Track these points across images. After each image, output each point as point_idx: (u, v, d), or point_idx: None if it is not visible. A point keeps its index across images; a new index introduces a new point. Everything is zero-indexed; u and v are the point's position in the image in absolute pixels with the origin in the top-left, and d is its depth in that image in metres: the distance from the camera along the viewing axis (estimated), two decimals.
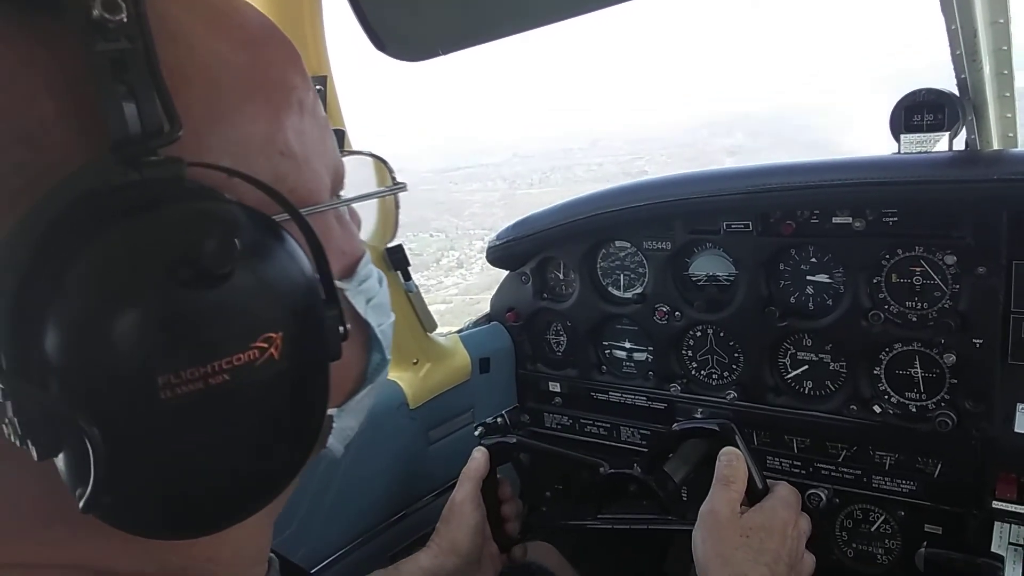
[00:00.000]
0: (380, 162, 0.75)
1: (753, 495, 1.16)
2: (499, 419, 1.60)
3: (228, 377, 0.42)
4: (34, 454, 0.39)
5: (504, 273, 1.92)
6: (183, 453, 0.42)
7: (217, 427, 0.43)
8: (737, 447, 1.21)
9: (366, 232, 0.69)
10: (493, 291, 1.98)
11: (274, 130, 0.51)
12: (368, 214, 0.70)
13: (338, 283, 0.57)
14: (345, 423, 0.61)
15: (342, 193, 0.62)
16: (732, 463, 1.16)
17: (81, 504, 0.40)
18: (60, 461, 0.41)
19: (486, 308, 1.99)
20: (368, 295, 0.61)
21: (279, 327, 0.44)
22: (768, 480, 1.21)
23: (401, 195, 0.74)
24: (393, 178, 0.74)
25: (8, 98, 0.42)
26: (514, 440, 1.52)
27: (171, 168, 0.42)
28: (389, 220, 0.77)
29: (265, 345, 0.43)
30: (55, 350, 0.38)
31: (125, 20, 0.41)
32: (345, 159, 0.62)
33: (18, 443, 0.39)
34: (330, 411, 0.58)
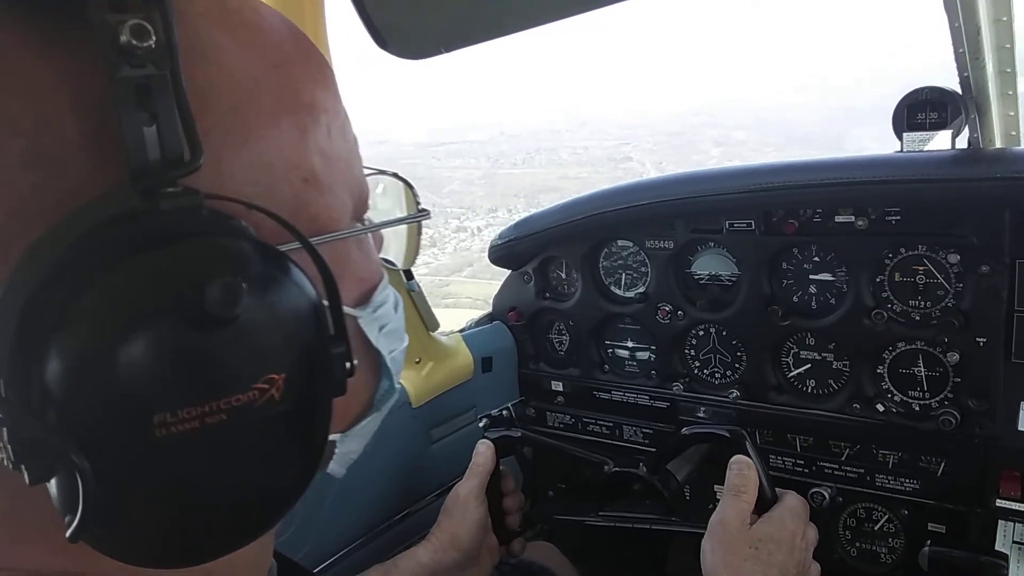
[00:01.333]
0: (405, 185, 0.74)
1: (762, 503, 1.15)
2: (504, 412, 1.59)
3: (226, 417, 0.41)
4: (26, 478, 0.39)
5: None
6: (175, 489, 0.42)
7: (212, 465, 0.42)
8: (748, 455, 1.19)
9: (388, 256, 0.68)
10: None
11: (300, 155, 0.50)
12: (390, 235, 0.69)
13: (351, 311, 0.55)
14: (348, 447, 0.60)
15: (365, 216, 0.60)
16: (743, 472, 1.15)
17: (68, 533, 0.39)
18: (52, 486, 0.40)
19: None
20: (382, 322, 0.59)
21: (282, 368, 0.43)
22: (776, 489, 1.20)
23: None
24: (417, 203, 0.73)
25: (35, 115, 0.41)
26: (519, 434, 1.51)
27: (188, 199, 0.41)
28: (412, 244, 0.76)
29: (266, 386, 0.43)
30: (50, 380, 0.38)
31: (153, 46, 0.39)
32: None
33: (11, 467, 0.39)
34: (333, 437, 0.57)
